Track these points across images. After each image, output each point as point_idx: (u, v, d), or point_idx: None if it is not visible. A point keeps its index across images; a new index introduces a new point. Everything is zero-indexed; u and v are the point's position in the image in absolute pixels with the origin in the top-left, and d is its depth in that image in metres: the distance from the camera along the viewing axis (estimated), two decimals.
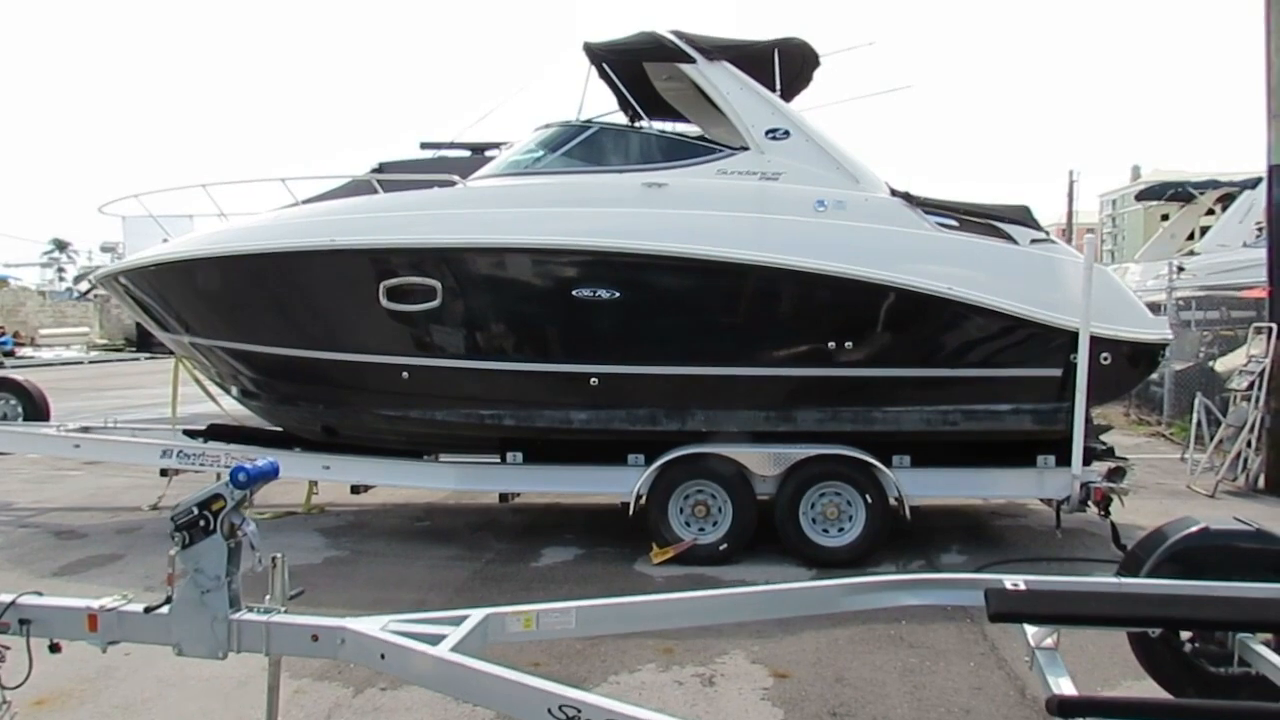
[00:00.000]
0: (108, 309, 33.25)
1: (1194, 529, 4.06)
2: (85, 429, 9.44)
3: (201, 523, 3.60)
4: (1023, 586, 3.82)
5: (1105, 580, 4.02)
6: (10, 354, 26.20)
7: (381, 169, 10.47)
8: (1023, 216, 7.15)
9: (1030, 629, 3.68)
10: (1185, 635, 3.89)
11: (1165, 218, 25.61)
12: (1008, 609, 3.60)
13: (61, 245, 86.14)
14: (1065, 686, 3.27)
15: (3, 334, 21.16)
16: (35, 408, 10.35)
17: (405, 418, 7.62)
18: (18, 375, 11.36)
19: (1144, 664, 4.14)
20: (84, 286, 10.94)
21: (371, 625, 3.57)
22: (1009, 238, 7.03)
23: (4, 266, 45.72)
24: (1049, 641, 3.64)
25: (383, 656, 3.44)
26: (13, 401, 10.30)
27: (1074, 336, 6.80)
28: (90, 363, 30.70)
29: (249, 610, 3.67)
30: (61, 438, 9.14)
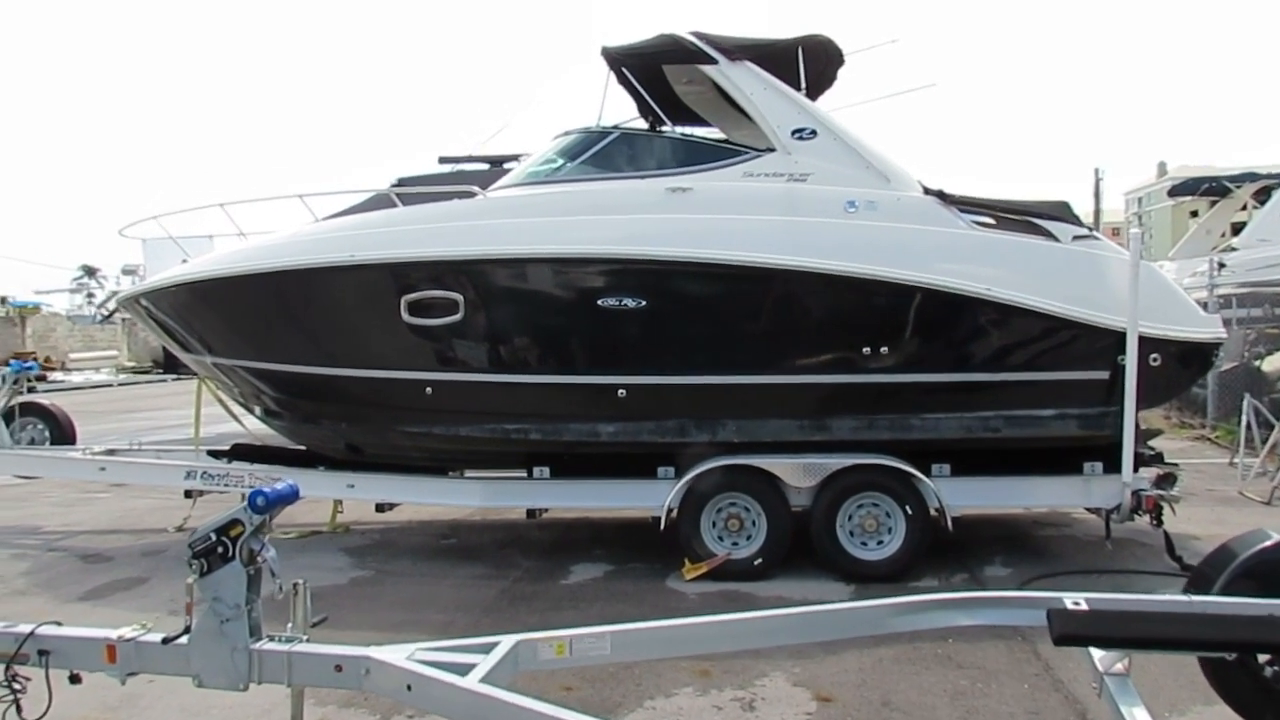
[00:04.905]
0: (135, 332, 33.51)
1: (1269, 543, 3.78)
2: (110, 452, 9.37)
3: (220, 549, 3.48)
4: (1084, 606, 3.58)
5: (1175, 599, 3.74)
6: (42, 378, 26.42)
7: (400, 184, 10.35)
8: (1062, 213, 6.91)
9: (1098, 653, 3.44)
10: (1263, 658, 3.62)
11: (1194, 214, 25.09)
12: (1074, 631, 3.37)
13: (90, 271, 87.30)
14: (1140, 717, 3.02)
15: (33, 359, 21.25)
16: (61, 431, 10.32)
17: (429, 434, 7.47)
18: (44, 399, 11.34)
19: (1217, 688, 3.86)
20: (107, 309, 10.90)
21: (397, 654, 3.40)
22: (1049, 235, 6.79)
23: (35, 293, 46.25)
24: (1119, 667, 3.39)
25: (409, 688, 3.29)
26: (40, 426, 10.26)
27: (1121, 337, 6.53)
28: (119, 385, 30.93)
29: (270, 639, 3.53)
30: (87, 461, 9.06)
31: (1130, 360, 6.52)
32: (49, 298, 48.19)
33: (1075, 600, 3.61)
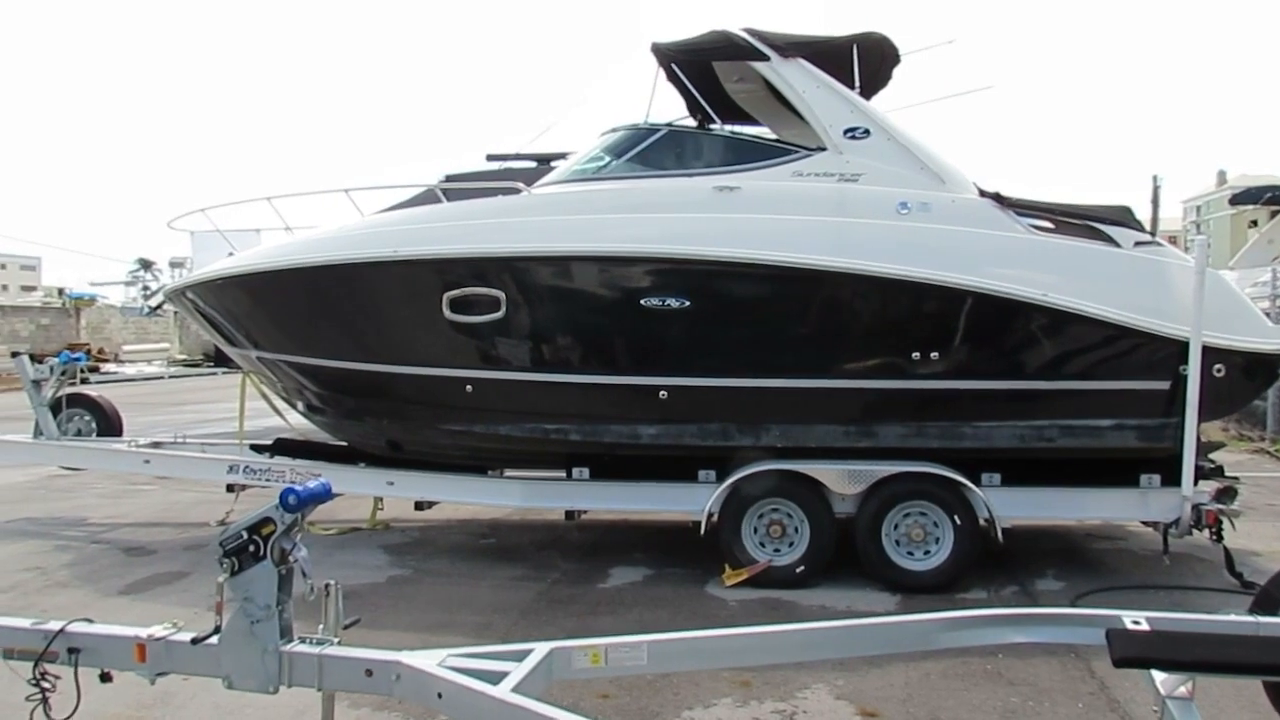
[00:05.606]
0: (186, 325, 34.07)
1: None
2: (155, 445, 9.46)
3: (251, 548, 3.40)
4: (1145, 626, 3.41)
5: (1242, 620, 3.54)
6: (94, 370, 26.94)
7: (448, 181, 10.34)
8: (1124, 217, 6.65)
9: (1159, 675, 3.25)
10: None
11: (1254, 224, 24.35)
12: (1135, 653, 3.19)
13: (146, 264, 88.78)
14: None
15: (85, 350, 21.66)
16: (108, 423, 10.41)
17: (469, 432, 7.42)
18: (92, 391, 11.49)
19: None
20: (154, 301, 11.01)
21: (429, 660, 3.32)
22: (1110, 240, 6.54)
23: (90, 285, 47.28)
24: (1183, 690, 3.20)
25: (440, 695, 3.20)
26: (87, 417, 10.36)
27: (1183, 346, 6.28)
28: (171, 378, 31.51)
29: (301, 641, 3.46)
30: (132, 453, 9.16)
31: (1193, 370, 6.26)
32: (105, 290, 49.21)
33: (1135, 619, 3.45)
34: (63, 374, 9.87)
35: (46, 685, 3.54)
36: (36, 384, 9.65)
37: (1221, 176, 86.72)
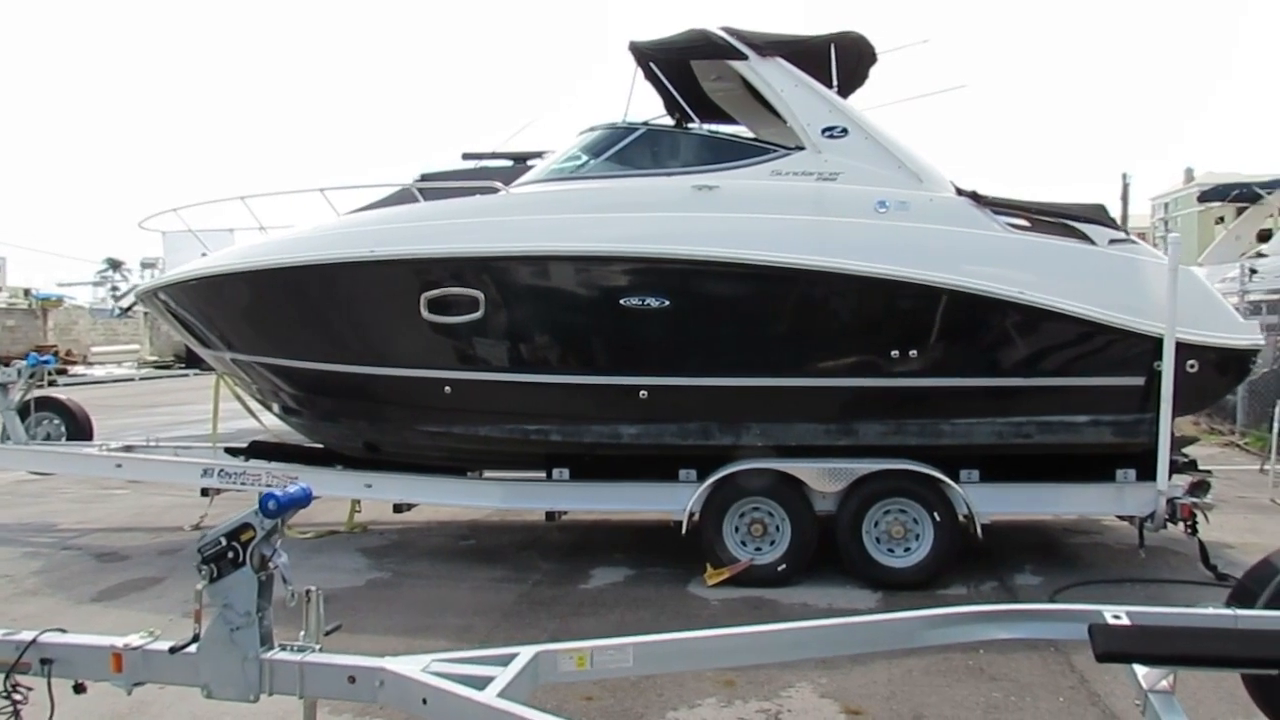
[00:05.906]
0: (157, 326, 33.68)
1: None
2: (127, 448, 9.32)
3: (230, 554, 3.34)
4: (1125, 620, 3.43)
5: (1221, 613, 3.58)
6: (62, 372, 26.50)
7: (424, 180, 10.25)
8: (1099, 215, 6.73)
9: (1141, 669, 3.28)
10: None
11: (1220, 220, 24.81)
12: (1117, 648, 3.21)
13: (115, 264, 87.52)
14: None
15: (52, 352, 21.27)
16: (78, 427, 10.25)
17: (448, 433, 7.37)
18: (61, 394, 11.30)
19: (1262, 705, 3.74)
20: (125, 303, 10.84)
21: (412, 666, 3.28)
22: (1085, 238, 6.61)
23: (57, 286, 46.40)
24: (1164, 684, 3.23)
25: (425, 701, 3.16)
26: (56, 421, 10.19)
27: (1158, 343, 6.36)
28: (141, 379, 31.12)
29: (282, 648, 3.40)
30: (103, 457, 9.02)
31: (1167, 366, 6.35)
32: (72, 290, 48.41)
33: (1115, 614, 3.47)
34: (30, 377, 9.69)
35: (19, 697, 3.45)
36: (3, 387, 9.48)
37: (1189, 174, 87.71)
